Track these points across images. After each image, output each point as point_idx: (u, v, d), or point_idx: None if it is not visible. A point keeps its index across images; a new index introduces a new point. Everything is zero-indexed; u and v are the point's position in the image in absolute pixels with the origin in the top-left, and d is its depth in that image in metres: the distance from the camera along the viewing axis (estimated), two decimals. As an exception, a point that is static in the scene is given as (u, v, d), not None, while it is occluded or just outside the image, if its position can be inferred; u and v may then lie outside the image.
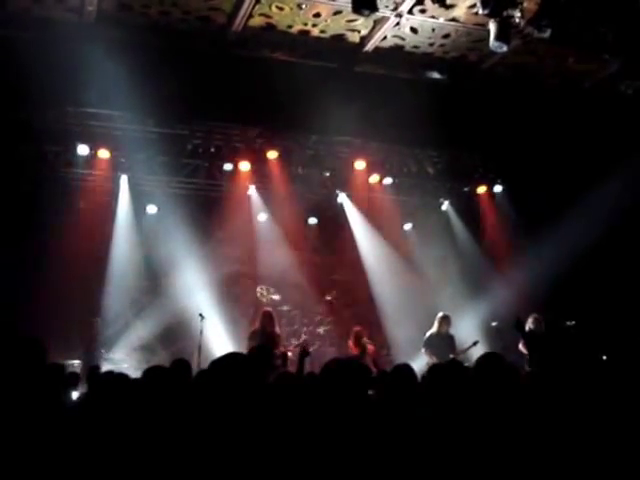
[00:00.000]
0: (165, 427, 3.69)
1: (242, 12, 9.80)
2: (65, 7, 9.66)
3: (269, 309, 11.71)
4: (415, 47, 11.01)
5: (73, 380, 6.74)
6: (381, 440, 3.48)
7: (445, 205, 14.69)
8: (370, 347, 11.57)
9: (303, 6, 9.78)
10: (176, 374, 5.66)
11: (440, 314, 11.93)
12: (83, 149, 11.83)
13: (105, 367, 10.62)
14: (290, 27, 10.38)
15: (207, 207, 13.11)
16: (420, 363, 10.95)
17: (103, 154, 12.04)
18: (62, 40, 9.66)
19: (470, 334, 12.46)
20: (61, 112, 11.28)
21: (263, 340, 10.51)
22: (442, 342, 11.67)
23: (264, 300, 13.62)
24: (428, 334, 11.77)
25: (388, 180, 13.85)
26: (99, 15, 9.79)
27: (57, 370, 5.83)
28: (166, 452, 3.33)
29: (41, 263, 11.39)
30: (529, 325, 11.63)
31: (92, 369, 8.09)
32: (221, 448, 3.19)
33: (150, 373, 5.11)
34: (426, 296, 13.57)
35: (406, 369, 5.53)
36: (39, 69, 9.24)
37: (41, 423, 3.66)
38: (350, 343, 11.72)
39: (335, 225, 14.33)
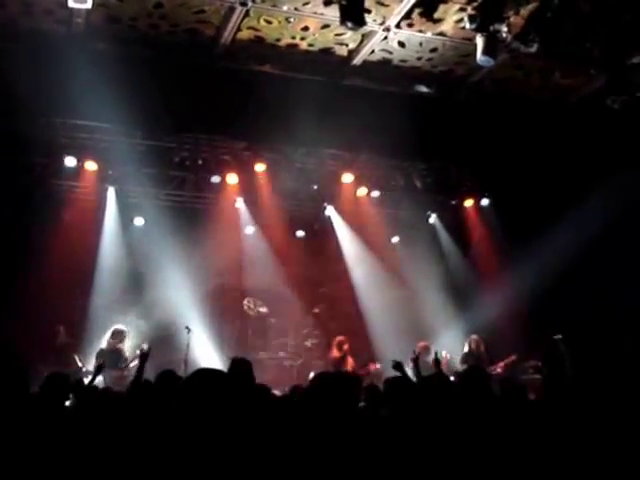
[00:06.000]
0: (151, 441, 3.66)
1: (230, 25, 9.81)
2: (54, 19, 9.64)
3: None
4: (403, 61, 11.05)
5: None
6: (374, 452, 3.47)
7: (432, 218, 14.71)
8: (349, 358, 11.68)
9: (291, 19, 9.80)
10: (163, 386, 5.62)
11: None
12: (70, 161, 11.79)
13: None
14: (278, 40, 10.40)
15: (194, 219, 13.10)
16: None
17: (90, 166, 12.00)
18: (50, 52, 9.65)
19: (456, 346, 12.50)
20: (48, 124, 11.24)
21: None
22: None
23: (251, 313, 13.60)
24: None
25: (375, 193, 13.86)
26: (87, 27, 9.77)
27: (60, 381, 5.80)
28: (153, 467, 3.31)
29: (27, 274, 11.33)
30: (469, 345, 11.85)
31: (77, 383, 8.02)
32: (204, 462, 3.17)
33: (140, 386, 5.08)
34: (413, 309, 13.57)
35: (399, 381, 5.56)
36: (27, 81, 9.22)
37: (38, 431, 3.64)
38: (333, 349, 11.81)
39: (322, 238, 14.35)
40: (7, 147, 11.11)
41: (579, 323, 11.93)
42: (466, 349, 12.03)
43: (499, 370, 11.58)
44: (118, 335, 11.36)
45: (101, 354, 11.03)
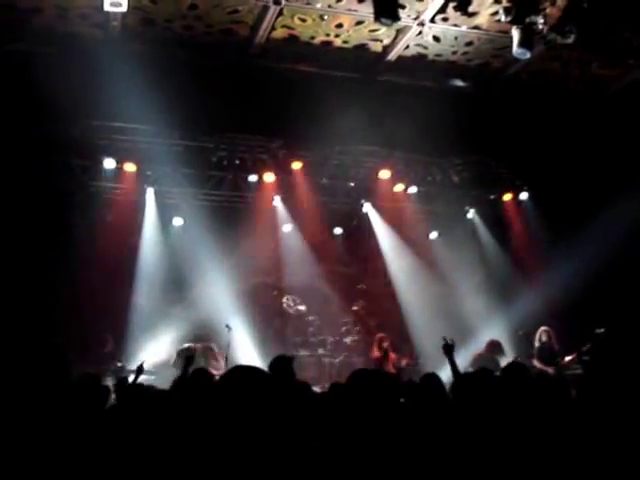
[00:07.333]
0: (190, 438, 3.69)
1: (265, 24, 9.86)
2: (90, 23, 9.77)
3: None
4: (438, 55, 11.00)
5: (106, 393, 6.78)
6: (412, 446, 3.47)
7: (471, 213, 14.61)
8: (391, 354, 11.64)
9: (325, 17, 9.81)
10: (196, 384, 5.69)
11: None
12: (110, 163, 11.94)
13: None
14: (313, 38, 10.41)
15: (232, 218, 13.16)
16: (448, 372, 10.87)
17: (129, 167, 12.13)
18: (88, 55, 9.77)
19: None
20: (87, 126, 11.37)
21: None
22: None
23: (290, 310, 13.63)
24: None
25: (413, 189, 13.81)
26: (123, 30, 9.90)
27: (91, 381, 5.88)
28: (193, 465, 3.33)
29: (70, 275, 11.47)
30: (540, 337, 11.65)
31: (120, 381, 8.12)
32: (242, 460, 3.18)
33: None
34: (453, 305, 13.51)
35: (434, 378, 5.56)
36: (66, 84, 9.32)
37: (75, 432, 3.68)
38: (374, 348, 11.79)
39: (360, 235, 14.34)
40: (47, 150, 11.28)
41: (621, 317, 11.77)
42: (537, 343, 11.77)
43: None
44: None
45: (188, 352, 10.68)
